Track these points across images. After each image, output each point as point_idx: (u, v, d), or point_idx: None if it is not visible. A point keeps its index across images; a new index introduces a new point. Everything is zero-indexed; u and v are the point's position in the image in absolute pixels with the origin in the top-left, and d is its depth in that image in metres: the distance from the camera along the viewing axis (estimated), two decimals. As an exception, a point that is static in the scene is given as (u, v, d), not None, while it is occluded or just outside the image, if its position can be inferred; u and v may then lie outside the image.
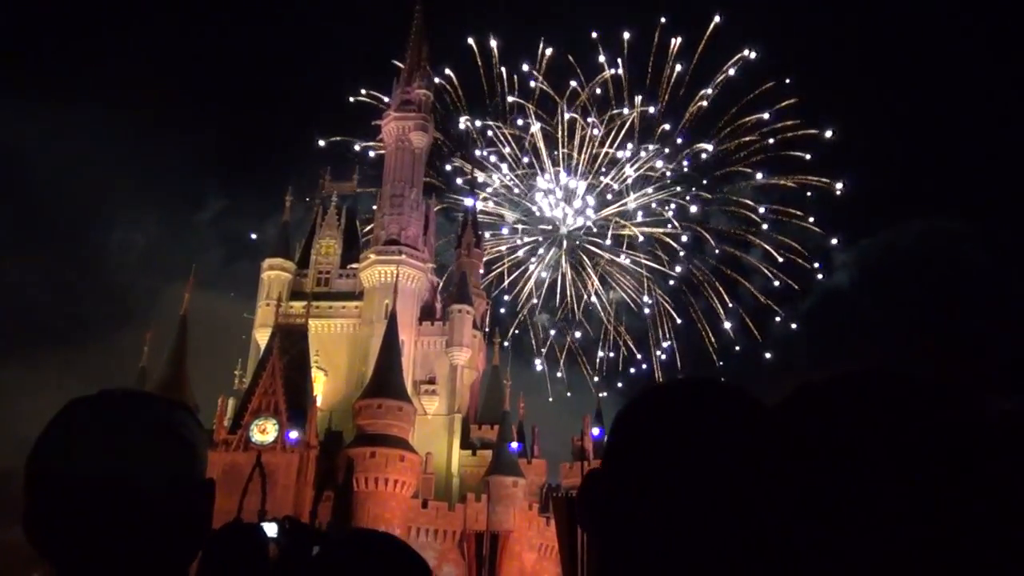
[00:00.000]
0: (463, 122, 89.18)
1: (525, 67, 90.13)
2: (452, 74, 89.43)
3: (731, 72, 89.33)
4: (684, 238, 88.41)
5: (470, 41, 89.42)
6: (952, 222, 79.60)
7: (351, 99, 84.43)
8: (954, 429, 0.94)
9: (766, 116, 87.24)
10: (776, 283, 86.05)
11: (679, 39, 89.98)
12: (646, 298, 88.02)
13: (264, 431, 48.03)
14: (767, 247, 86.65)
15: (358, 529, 2.14)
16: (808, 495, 0.95)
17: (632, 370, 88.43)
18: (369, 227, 64.85)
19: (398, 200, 61.56)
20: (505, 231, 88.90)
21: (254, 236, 69.29)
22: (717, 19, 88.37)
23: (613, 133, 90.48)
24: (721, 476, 0.98)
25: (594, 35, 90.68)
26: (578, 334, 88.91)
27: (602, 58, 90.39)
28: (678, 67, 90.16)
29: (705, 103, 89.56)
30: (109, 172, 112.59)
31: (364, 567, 1.90)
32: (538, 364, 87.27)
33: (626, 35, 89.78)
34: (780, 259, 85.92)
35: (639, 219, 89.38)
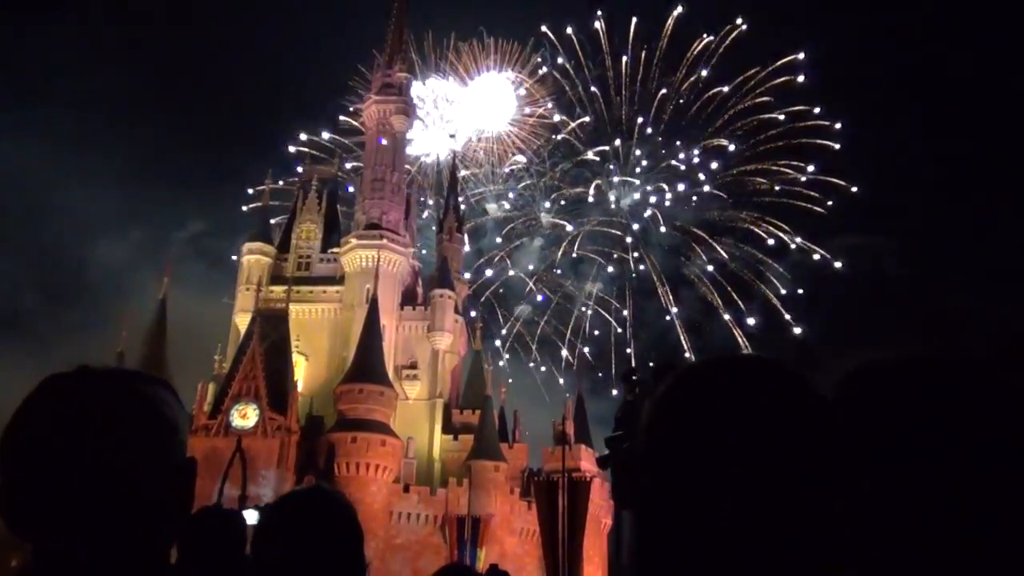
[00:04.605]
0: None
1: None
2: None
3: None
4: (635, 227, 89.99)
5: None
6: (875, 238, 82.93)
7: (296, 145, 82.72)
8: None
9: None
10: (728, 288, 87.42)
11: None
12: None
13: (244, 416, 47.85)
14: (721, 251, 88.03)
15: (292, 490, 2.29)
16: (869, 479, 0.94)
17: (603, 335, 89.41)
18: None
19: (379, 184, 61.21)
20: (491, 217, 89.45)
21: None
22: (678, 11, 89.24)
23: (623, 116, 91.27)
24: (769, 456, 0.95)
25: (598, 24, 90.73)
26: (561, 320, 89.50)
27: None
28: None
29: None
30: (93, 188, 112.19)
31: (295, 522, 2.11)
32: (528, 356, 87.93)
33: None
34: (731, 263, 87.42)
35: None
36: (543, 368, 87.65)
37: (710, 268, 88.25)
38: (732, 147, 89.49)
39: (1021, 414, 0.95)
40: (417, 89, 75.03)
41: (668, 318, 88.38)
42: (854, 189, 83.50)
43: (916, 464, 0.94)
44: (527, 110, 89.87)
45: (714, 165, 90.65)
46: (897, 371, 1.03)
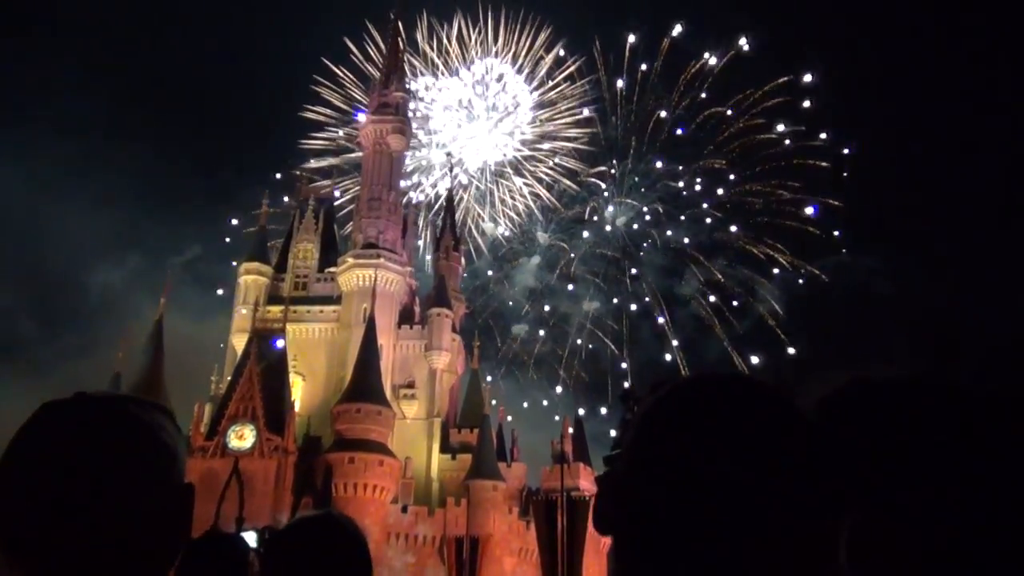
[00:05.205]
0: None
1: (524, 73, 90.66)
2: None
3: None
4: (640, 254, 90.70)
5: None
6: (864, 258, 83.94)
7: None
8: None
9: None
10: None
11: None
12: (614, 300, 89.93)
13: (241, 437, 47.67)
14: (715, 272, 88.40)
15: (301, 516, 2.24)
16: (850, 498, 0.93)
17: (601, 358, 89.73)
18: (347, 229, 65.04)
19: (376, 203, 61.34)
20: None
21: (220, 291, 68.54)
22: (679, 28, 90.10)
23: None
24: (749, 477, 0.93)
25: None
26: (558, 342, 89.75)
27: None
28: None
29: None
30: (90, 213, 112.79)
31: (305, 550, 2.06)
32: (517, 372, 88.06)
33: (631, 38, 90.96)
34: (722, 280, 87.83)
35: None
36: (544, 400, 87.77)
37: (705, 288, 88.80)
38: (729, 170, 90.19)
39: (1005, 438, 0.94)
40: (414, 86, 75.45)
41: (669, 356, 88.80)
42: (861, 218, 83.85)
43: (902, 484, 0.94)
44: (527, 132, 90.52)
45: (710, 186, 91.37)
46: (885, 390, 1.02)
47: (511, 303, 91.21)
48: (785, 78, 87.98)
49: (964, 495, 0.92)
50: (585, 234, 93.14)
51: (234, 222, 76.25)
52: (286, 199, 68.00)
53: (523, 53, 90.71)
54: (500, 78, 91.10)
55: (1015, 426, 0.95)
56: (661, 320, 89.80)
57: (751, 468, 0.93)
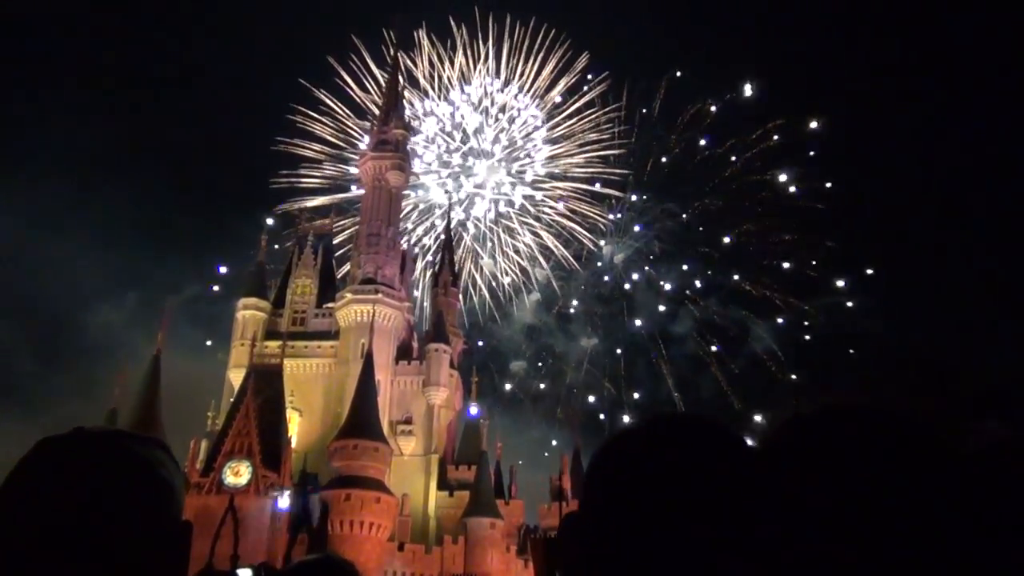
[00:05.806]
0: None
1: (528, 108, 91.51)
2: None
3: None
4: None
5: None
6: (851, 297, 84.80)
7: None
8: (946, 468, 0.93)
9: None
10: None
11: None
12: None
13: (237, 473, 47.21)
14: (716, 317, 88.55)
15: (300, 560, 2.23)
16: (794, 533, 0.94)
17: (602, 416, 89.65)
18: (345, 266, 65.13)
19: (375, 239, 61.48)
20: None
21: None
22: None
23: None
24: (700, 515, 0.94)
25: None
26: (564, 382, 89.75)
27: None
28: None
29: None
30: (91, 255, 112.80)
31: None
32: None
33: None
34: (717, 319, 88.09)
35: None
36: (542, 436, 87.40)
37: (702, 327, 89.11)
38: (727, 211, 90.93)
39: (930, 462, 0.96)
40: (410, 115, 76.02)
41: (666, 394, 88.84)
42: (869, 272, 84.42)
43: (836, 515, 0.94)
44: (530, 172, 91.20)
45: (708, 227, 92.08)
46: (808, 424, 1.04)
47: (509, 340, 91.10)
48: (779, 120, 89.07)
49: (895, 522, 0.93)
50: (583, 276, 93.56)
51: (223, 270, 75.99)
52: (279, 246, 68.42)
53: (526, 87, 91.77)
54: (503, 109, 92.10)
55: (941, 450, 0.97)
56: (658, 358, 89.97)
57: (694, 507, 0.95)
